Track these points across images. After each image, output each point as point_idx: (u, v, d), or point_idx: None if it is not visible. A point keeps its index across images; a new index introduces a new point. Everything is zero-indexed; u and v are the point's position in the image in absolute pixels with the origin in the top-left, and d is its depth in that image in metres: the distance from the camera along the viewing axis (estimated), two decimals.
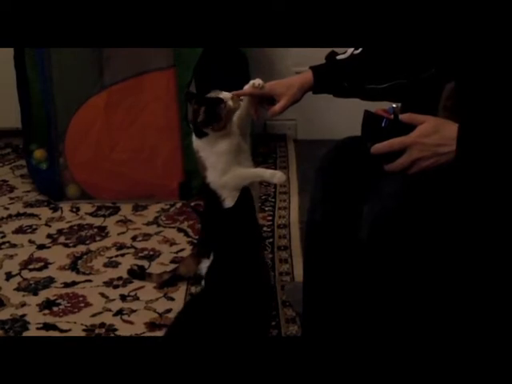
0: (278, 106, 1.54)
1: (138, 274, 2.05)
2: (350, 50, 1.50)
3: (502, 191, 1.11)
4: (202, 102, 1.61)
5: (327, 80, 1.52)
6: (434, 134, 1.13)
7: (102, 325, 1.81)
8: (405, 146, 1.14)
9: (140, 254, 2.19)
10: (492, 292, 1.19)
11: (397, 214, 1.21)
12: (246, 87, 1.60)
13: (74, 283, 2.03)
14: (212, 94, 1.61)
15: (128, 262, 2.14)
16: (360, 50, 1.48)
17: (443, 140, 1.12)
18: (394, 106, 1.21)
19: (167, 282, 1.99)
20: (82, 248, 2.25)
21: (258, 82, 1.57)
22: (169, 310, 1.85)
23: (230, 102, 1.59)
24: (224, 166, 1.64)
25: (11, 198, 2.69)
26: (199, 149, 1.67)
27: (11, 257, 2.21)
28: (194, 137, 1.66)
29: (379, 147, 1.16)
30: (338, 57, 1.51)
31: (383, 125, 1.17)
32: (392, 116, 1.20)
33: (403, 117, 1.17)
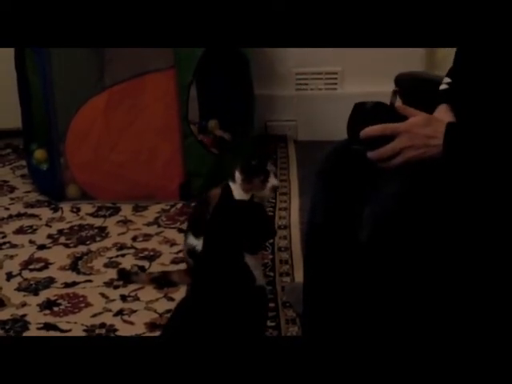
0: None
1: (126, 275, 2.03)
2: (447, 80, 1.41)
3: (495, 189, 1.12)
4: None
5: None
6: (426, 127, 1.14)
7: (103, 325, 1.81)
8: (397, 132, 1.14)
9: (140, 255, 2.19)
10: (492, 292, 1.19)
11: (397, 215, 1.21)
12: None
13: (74, 283, 2.03)
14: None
15: (128, 262, 2.14)
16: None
17: (435, 133, 1.13)
18: (396, 89, 1.20)
19: (157, 279, 1.99)
20: (82, 248, 2.25)
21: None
22: (169, 311, 1.84)
23: (269, 186, 1.88)
24: None
25: (12, 199, 2.69)
26: None
27: (12, 257, 2.21)
28: None
29: (372, 129, 1.15)
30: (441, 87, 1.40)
31: (367, 106, 1.17)
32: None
33: (398, 106, 1.18)
